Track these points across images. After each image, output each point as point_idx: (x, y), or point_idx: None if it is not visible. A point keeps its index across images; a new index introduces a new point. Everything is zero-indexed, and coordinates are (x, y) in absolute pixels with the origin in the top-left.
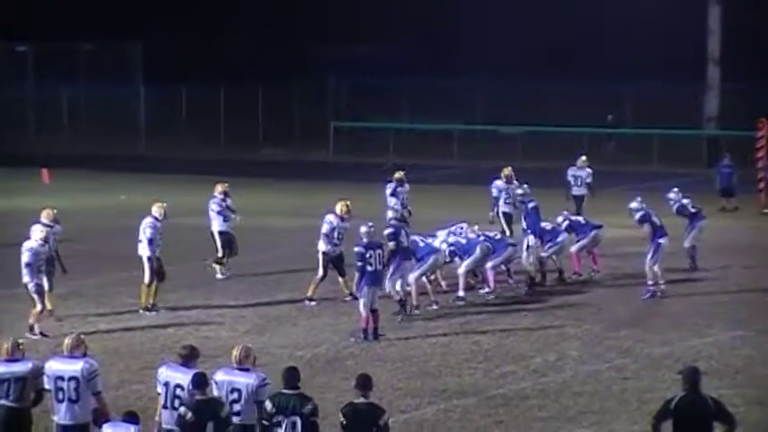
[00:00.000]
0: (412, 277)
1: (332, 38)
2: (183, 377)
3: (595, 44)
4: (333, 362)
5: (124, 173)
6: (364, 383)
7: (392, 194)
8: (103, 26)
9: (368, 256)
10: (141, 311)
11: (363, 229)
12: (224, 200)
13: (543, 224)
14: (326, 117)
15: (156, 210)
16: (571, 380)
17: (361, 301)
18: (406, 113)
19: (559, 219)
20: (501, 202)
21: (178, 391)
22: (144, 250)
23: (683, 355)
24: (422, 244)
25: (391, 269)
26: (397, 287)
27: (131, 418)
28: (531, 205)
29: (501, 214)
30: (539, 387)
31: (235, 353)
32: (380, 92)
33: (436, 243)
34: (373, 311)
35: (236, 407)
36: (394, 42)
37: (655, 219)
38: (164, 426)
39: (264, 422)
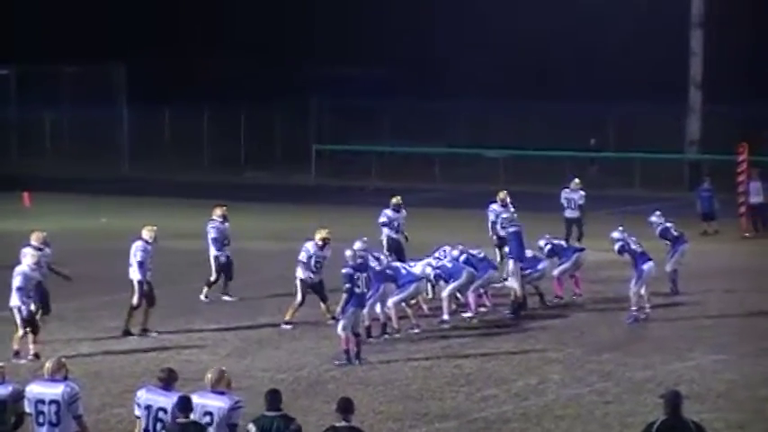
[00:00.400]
0: (391, 302)
1: (315, 60)
2: (165, 400)
3: (579, 68)
4: (314, 385)
5: (107, 195)
6: (346, 407)
7: (384, 225)
8: (87, 48)
9: (356, 278)
10: (125, 335)
11: (349, 252)
12: (222, 223)
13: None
14: (309, 140)
15: (147, 233)
16: (553, 403)
17: (341, 323)
18: (388, 136)
19: (541, 242)
20: (498, 227)
21: (161, 415)
22: (134, 274)
23: (664, 379)
24: (404, 271)
25: (370, 293)
26: (377, 309)
27: None
28: (511, 230)
29: (496, 238)
30: (520, 411)
31: (208, 376)
32: (363, 114)
33: (417, 269)
34: (356, 335)
35: (210, 430)
36: (377, 64)
37: (635, 247)
38: None
39: None
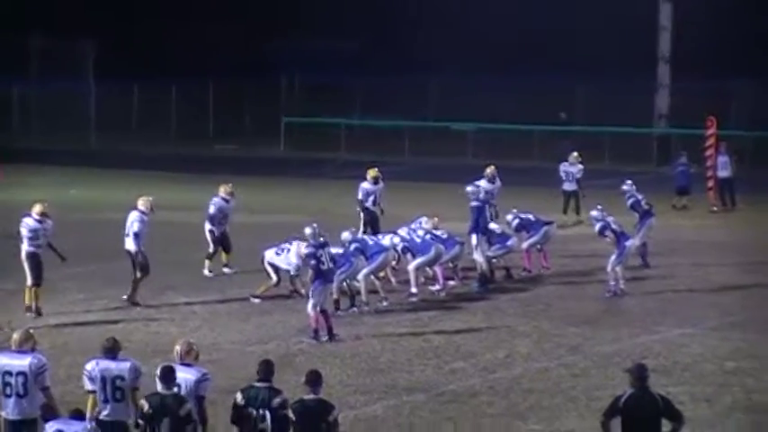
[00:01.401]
0: (361, 275)
1: (284, 33)
2: (119, 367)
3: (548, 42)
4: (283, 358)
5: (76, 168)
6: (314, 380)
7: (363, 199)
8: (55, 22)
9: (319, 255)
10: (138, 307)
11: (308, 230)
12: (227, 202)
13: (494, 227)
14: (278, 113)
15: (143, 204)
16: (520, 377)
17: (311, 302)
18: (358, 109)
19: (509, 217)
20: None
21: (119, 383)
22: (130, 244)
23: (631, 353)
24: (371, 242)
25: (342, 269)
26: (344, 284)
27: (79, 415)
28: (473, 204)
29: None
30: (488, 384)
31: (177, 348)
32: (334, 88)
33: (386, 241)
34: (323, 312)
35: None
36: (348, 38)
37: (614, 226)
38: (104, 418)
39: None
